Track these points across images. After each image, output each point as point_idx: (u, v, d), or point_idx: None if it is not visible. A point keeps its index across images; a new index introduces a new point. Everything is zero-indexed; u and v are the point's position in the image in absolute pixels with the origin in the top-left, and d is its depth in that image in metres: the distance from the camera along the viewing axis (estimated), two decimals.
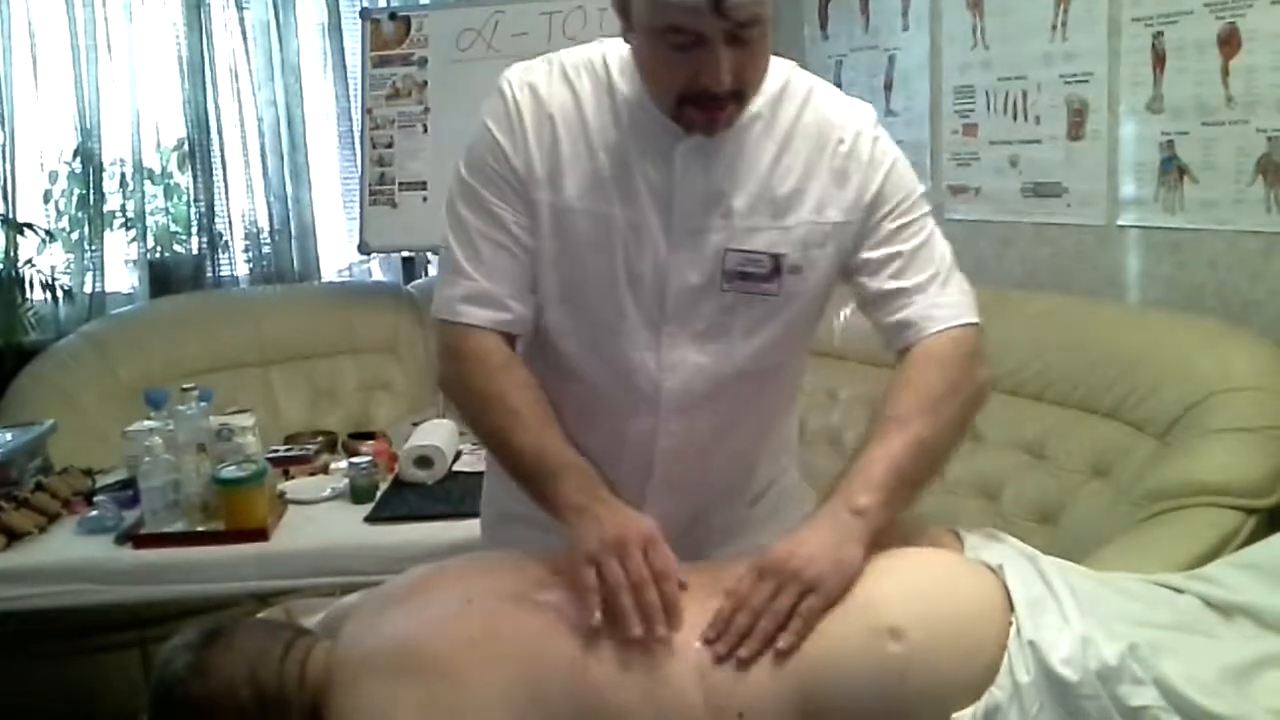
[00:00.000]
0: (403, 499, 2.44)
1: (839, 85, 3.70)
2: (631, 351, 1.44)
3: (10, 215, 3.47)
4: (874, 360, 3.07)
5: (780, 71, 1.42)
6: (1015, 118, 2.87)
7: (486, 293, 1.43)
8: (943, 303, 1.44)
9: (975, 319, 1.46)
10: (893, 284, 1.44)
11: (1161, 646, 1.16)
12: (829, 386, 3.18)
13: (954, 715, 1.15)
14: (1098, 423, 2.34)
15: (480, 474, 2.55)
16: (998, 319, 2.68)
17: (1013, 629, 1.19)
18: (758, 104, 1.39)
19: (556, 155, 1.41)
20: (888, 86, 3.34)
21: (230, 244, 3.88)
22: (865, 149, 1.44)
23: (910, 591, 1.24)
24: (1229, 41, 2.32)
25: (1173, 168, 2.49)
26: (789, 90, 1.43)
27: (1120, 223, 2.65)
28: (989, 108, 2.94)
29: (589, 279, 1.43)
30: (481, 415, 1.44)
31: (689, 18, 1.24)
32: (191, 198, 3.79)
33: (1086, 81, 2.68)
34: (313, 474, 2.62)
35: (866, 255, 1.45)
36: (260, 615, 1.58)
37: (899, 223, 1.45)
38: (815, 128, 1.43)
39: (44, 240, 3.52)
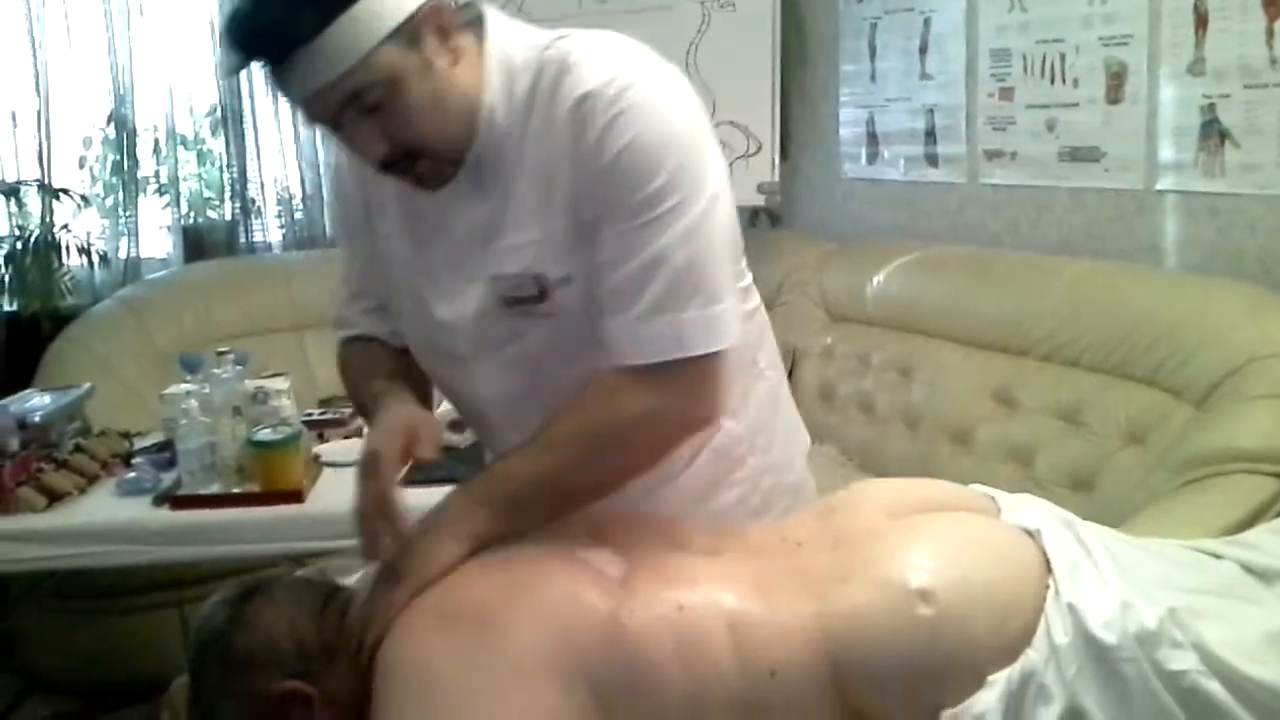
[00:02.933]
0: (436, 461, 2.45)
1: (873, 50, 3.69)
2: (451, 381, 1.48)
3: (46, 181, 3.50)
4: (904, 326, 3.06)
5: (527, 66, 1.30)
6: (1053, 81, 2.83)
7: (341, 318, 1.59)
8: (642, 333, 1.25)
9: (687, 354, 1.25)
10: (605, 297, 1.27)
11: (1201, 611, 1.15)
12: (860, 352, 3.17)
13: (989, 677, 1.15)
14: (1134, 389, 2.32)
15: None
16: (1033, 285, 2.71)
17: (1050, 591, 1.18)
18: (504, 116, 1.30)
19: (370, 198, 1.45)
20: (922, 50, 3.30)
21: (263, 209, 3.90)
22: (594, 132, 1.24)
23: (941, 554, 1.22)
24: (1275, 2, 2.28)
25: (1213, 131, 2.45)
26: (539, 86, 1.29)
27: (1159, 187, 2.62)
28: (1026, 70, 2.90)
29: (404, 313, 1.48)
30: (351, 395, 1.58)
31: (302, 113, 1.25)
32: (224, 163, 3.81)
33: (1126, 44, 2.64)
34: (347, 437, 2.63)
35: (596, 258, 1.27)
36: (297, 574, 1.60)
37: (619, 225, 1.25)
38: (556, 121, 1.27)
39: (79, 205, 3.55)
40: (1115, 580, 1.18)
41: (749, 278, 1.48)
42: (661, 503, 1.42)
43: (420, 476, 2.39)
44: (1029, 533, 1.27)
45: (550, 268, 1.31)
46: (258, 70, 1.25)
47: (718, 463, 1.47)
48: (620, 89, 1.24)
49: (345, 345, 1.59)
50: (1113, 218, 2.76)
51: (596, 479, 1.30)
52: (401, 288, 1.46)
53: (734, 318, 1.30)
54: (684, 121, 1.28)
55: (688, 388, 1.28)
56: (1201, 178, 2.50)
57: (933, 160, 3.34)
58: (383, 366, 1.52)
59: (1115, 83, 2.68)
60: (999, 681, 1.14)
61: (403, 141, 1.25)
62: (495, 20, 1.34)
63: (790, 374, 3.22)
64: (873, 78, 3.53)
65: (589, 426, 1.28)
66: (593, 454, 1.28)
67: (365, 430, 1.46)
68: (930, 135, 3.33)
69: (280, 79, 1.22)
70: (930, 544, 1.24)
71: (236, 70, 1.26)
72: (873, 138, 3.58)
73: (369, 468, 1.35)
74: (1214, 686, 1.10)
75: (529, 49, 1.31)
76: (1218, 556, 1.31)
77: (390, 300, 1.51)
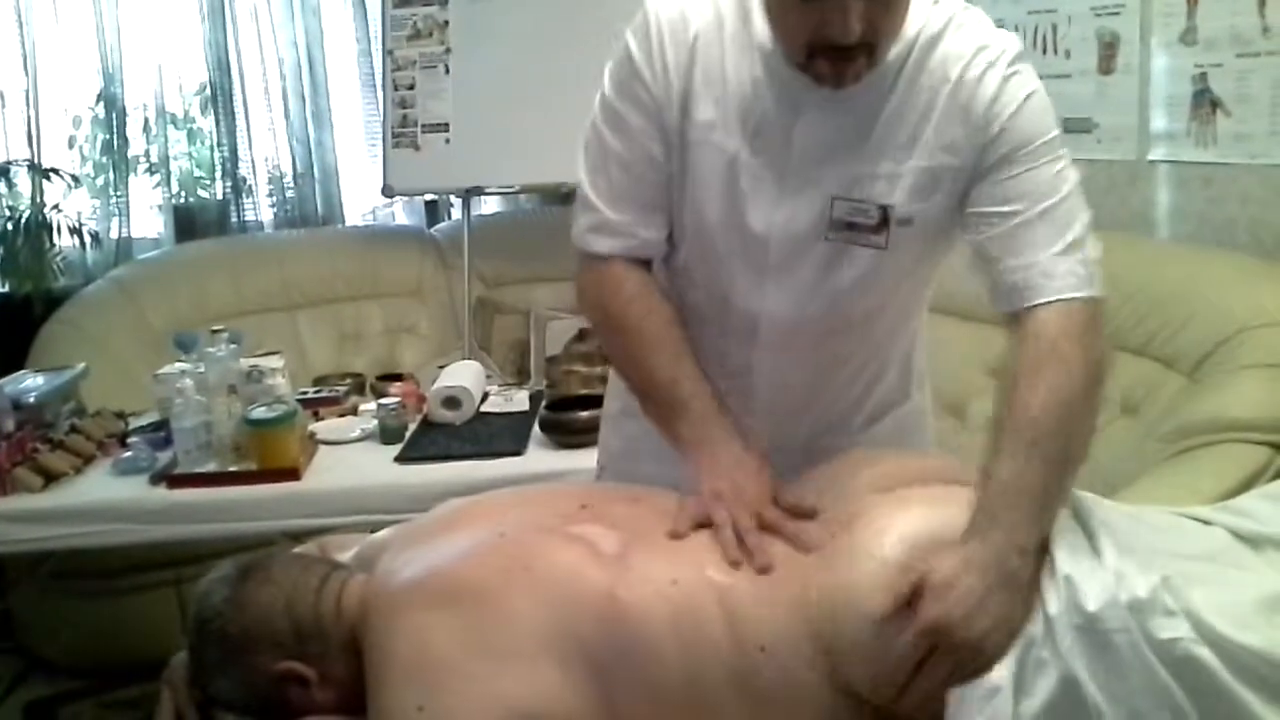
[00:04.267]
0: (431, 439, 2.46)
1: None
2: (734, 290, 1.44)
3: (36, 160, 3.48)
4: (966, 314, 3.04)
5: (920, 13, 1.32)
6: (1045, 52, 2.83)
7: (610, 222, 1.44)
8: (1058, 270, 1.28)
9: (1096, 292, 1.29)
10: (1004, 241, 1.30)
11: (1192, 578, 1.16)
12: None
13: None
14: (1127, 359, 2.32)
15: (507, 414, 2.59)
16: None
17: (1045, 563, 1.18)
18: (893, 53, 1.30)
19: (690, 81, 1.37)
20: None
21: (254, 188, 3.88)
22: (992, 85, 1.30)
23: (932, 528, 1.22)
24: None
25: (1205, 101, 2.45)
26: (924, 32, 1.32)
27: (1151, 158, 2.62)
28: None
29: (706, 213, 1.41)
30: (613, 343, 1.50)
31: None
32: (215, 142, 3.79)
33: (1118, 14, 2.63)
34: (342, 415, 2.64)
35: (980, 207, 1.32)
36: (294, 550, 1.61)
37: (1016, 171, 1.30)
38: (943, 65, 1.32)
39: (70, 185, 3.53)
40: (1109, 550, 1.18)
41: None
42: (840, 451, 1.45)
43: (415, 454, 2.42)
44: None
45: (901, 203, 1.33)
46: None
47: (898, 432, 1.56)
48: (1006, 53, 1.31)
49: (615, 265, 1.46)
50: (1105, 189, 2.76)
51: (1084, 433, 1.25)
52: (709, 186, 1.40)
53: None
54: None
55: (1101, 325, 1.29)
56: (1193, 148, 2.50)
57: None
58: (684, 353, 1.44)
59: (1107, 53, 2.67)
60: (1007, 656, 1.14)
61: (875, 32, 1.23)
62: None
63: None
64: None
65: (1079, 389, 1.23)
66: (1073, 414, 1.23)
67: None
68: None
69: None
70: (920, 517, 1.24)
71: None
72: None
73: (738, 497, 1.32)
74: (1205, 653, 1.11)
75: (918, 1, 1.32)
76: (1207, 523, 1.32)
77: (675, 202, 1.43)
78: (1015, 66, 1.31)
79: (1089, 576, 1.16)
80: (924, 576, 1.15)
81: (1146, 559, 1.18)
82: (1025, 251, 1.29)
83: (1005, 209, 1.30)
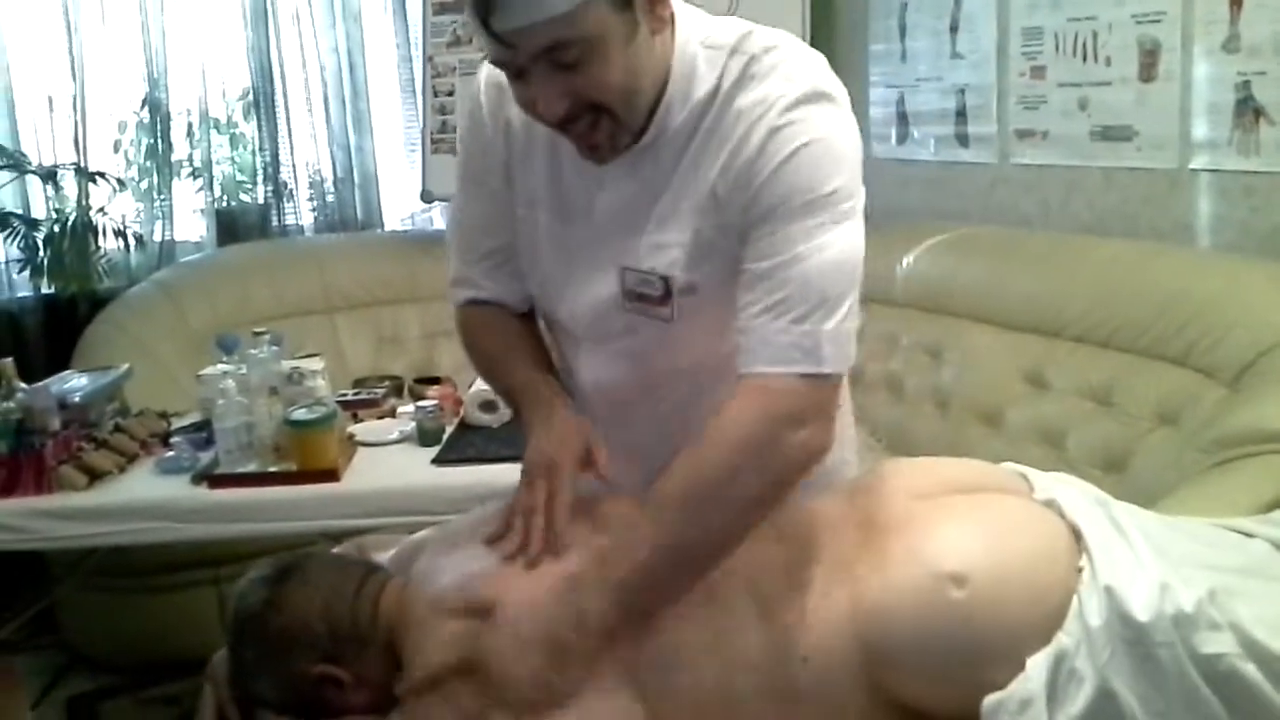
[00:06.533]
0: (469, 441, 2.47)
1: (903, 29, 3.67)
2: (568, 355, 1.47)
3: (83, 164, 3.54)
4: (935, 308, 3.05)
5: (714, 65, 1.25)
6: (1085, 59, 2.81)
7: (463, 276, 1.51)
8: (776, 340, 1.18)
9: (823, 369, 1.19)
10: (744, 300, 1.22)
11: (1234, 591, 1.15)
12: (889, 333, 3.16)
13: (1029, 661, 1.14)
14: (1166, 369, 2.31)
15: None
16: (1064, 265, 2.69)
17: (1085, 573, 1.17)
18: (690, 112, 1.26)
19: (512, 156, 1.40)
20: (953, 29, 3.27)
21: (295, 193, 3.93)
22: (757, 139, 1.21)
23: (973, 536, 1.22)
24: None
25: (1249, 109, 2.42)
26: (723, 86, 1.25)
27: (1192, 166, 2.60)
28: (1058, 49, 2.88)
29: (531, 281, 1.45)
30: (483, 370, 1.57)
31: (492, 48, 1.16)
32: (256, 146, 3.84)
33: (1159, 21, 2.61)
34: (380, 417, 2.66)
35: (742, 267, 1.23)
36: (333, 551, 1.62)
37: (767, 230, 1.21)
38: (735, 122, 1.23)
39: (115, 189, 3.58)
40: (1151, 561, 1.17)
41: None
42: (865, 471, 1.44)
43: (452, 456, 2.43)
44: (1060, 512, 1.26)
45: (679, 273, 1.29)
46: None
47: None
48: (786, 98, 1.21)
49: (467, 308, 1.52)
50: (1145, 197, 2.74)
51: (721, 526, 1.20)
52: (529, 255, 1.43)
53: (854, 342, 1.24)
54: (853, 138, 1.25)
55: (815, 404, 1.20)
56: (1236, 156, 2.47)
57: (963, 140, 3.32)
58: (524, 348, 1.48)
59: (1148, 60, 2.65)
60: (1040, 666, 1.13)
61: (586, 101, 1.19)
62: (683, 10, 1.29)
63: None
64: (903, 57, 3.51)
65: (724, 474, 1.18)
66: (709, 498, 1.18)
67: (524, 425, 1.43)
68: (961, 115, 3.31)
69: (489, 3, 1.14)
70: (961, 525, 1.24)
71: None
72: (903, 118, 3.56)
73: (545, 472, 1.33)
74: (1250, 669, 1.09)
75: (715, 50, 1.26)
76: (1249, 535, 1.30)
77: (523, 263, 1.45)
78: (791, 115, 1.21)
79: (1132, 587, 1.14)
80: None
81: (1189, 570, 1.16)
82: (754, 313, 1.20)
83: (749, 268, 1.22)
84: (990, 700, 1.13)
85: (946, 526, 1.23)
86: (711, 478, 1.19)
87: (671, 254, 1.28)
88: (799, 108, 1.21)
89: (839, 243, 1.20)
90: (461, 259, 1.50)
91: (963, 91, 3.29)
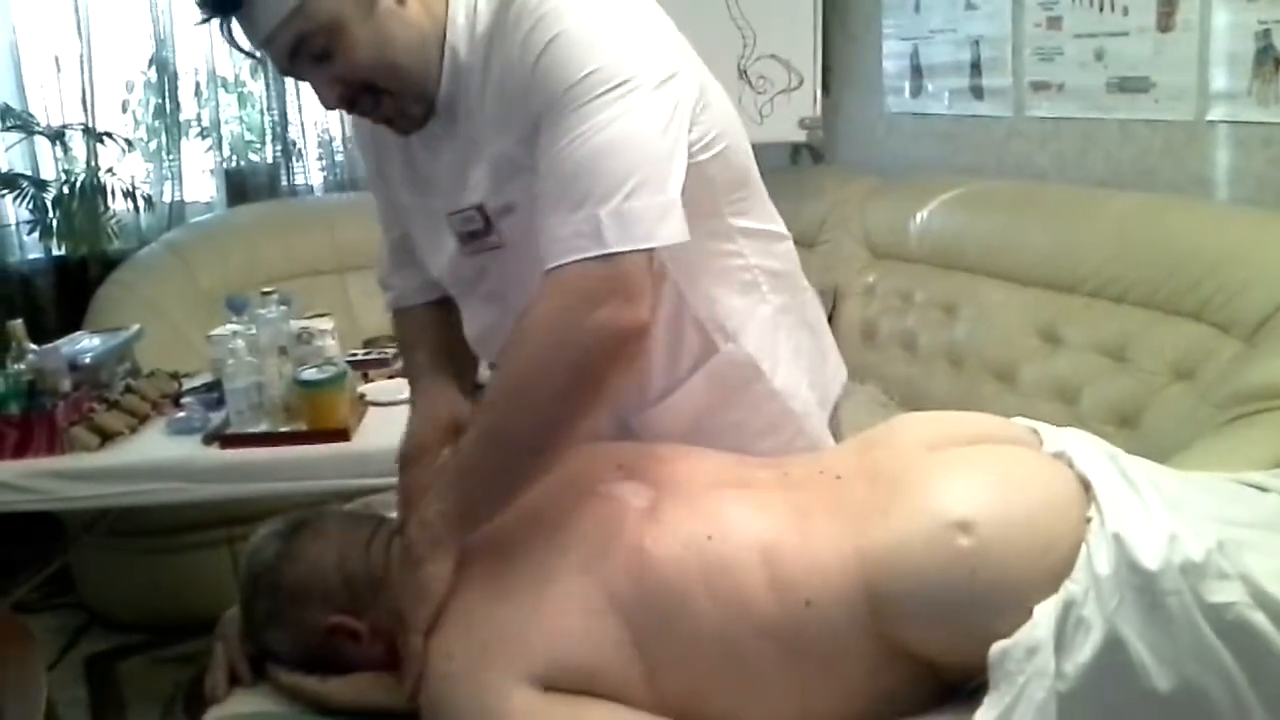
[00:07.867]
0: (478, 401, 2.47)
1: None
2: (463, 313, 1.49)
3: (91, 125, 3.52)
4: (948, 263, 3.03)
5: (468, 7, 1.27)
6: (1101, 9, 2.76)
7: (381, 276, 1.60)
8: (563, 233, 1.16)
9: (603, 250, 1.15)
10: (537, 204, 1.21)
11: (1246, 543, 1.14)
12: (903, 289, 3.15)
13: (1036, 609, 1.14)
14: (1181, 324, 2.29)
15: None
16: (1079, 219, 2.66)
17: (1094, 522, 1.17)
18: (467, 54, 1.27)
19: (380, 152, 1.46)
20: None
21: (304, 152, 3.91)
22: (518, 42, 1.21)
23: (981, 486, 1.21)
24: None
25: (1269, 59, 2.38)
26: (502, 18, 1.24)
27: (1210, 118, 2.56)
28: None
29: (421, 261, 1.50)
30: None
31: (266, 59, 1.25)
32: (265, 106, 3.82)
33: None
34: (391, 377, 2.65)
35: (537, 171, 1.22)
36: (344, 508, 1.63)
37: (546, 130, 1.19)
38: (504, 36, 1.23)
39: (124, 149, 3.57)
40: (1161, 512, 1.16)
41: (759, 196, 1.46)
42: (654, 424, 1.43)
43: None
44: (1069, 463, 1.26)
45: (490, 197, 1.30)
46: None
47: (715, 385, 1.44)
48: None
49: (395, 316, 1.61)
50: (1162, 150, 2.70)
51: (535, 417, 1.20)
52: (415, 235, 1.49)
53: (673, 218, 1.19)
54: (618, 15, 1.23)
55: (607, 283, 1.17)
56: (1255, 107, 2.44)
57: (978, 93, 3.28)
58: (426, 337, 1.54)
59: (1166, 10, 2.61)
60: (1048, 614, 1.13)
61: (353, 83, 1.25)
62: None
63: (831, 312, 3.21)
64: (916, 9, 3.47)
65: (531, 366, 1.19)
66: (548, 392, 1.18)
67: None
68: (975, 67, 3.26)
69: (232, 32, 1.24)
70: (970, 475, 1.23)
71: (205, 21, 1.24)
72: (916, 71, 3.52)
73: (410, 458, 1.40)
74: (1259, 618, 1.09)
75: None
76: (1263, 489, 1.29)
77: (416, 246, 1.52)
78: (539, 12, 1.20)
79: (1141, 536, 1.14)
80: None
81: (1199, 522, 1.16)
82: (542, 214, 1.19)
83: (540, 168, 1.21)
84: (997, 648, 1.13)
85: (954, 476, 1.23)
86: (522, 369, 1.20)
87: (481, 185, 1.30)
88: (544, 3, 1.20)
89: (610, 124, 1.17)
90: (382, 257, 1.60)
91: (977, 43, 3.24)
